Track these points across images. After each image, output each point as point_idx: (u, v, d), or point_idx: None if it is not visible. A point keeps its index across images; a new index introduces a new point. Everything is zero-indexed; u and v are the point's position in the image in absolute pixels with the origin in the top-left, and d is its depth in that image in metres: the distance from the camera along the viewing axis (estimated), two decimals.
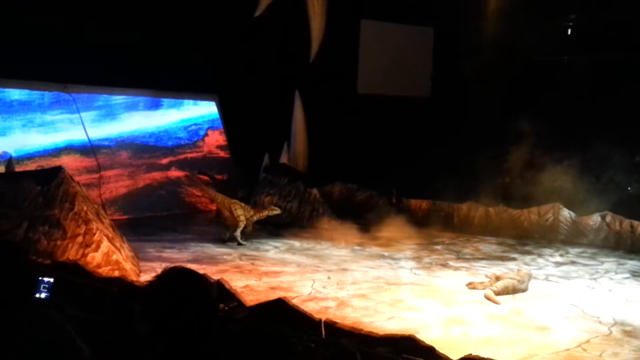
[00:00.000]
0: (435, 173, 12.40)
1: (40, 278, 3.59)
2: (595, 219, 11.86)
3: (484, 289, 7.93)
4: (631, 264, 10.19)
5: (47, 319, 2.67)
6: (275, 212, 11.42)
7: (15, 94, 11.81)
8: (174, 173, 14.00)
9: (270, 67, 13.65)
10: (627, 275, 9.40)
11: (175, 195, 13.78)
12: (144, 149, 13.66)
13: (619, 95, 12.69)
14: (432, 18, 15.03)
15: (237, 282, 7.74)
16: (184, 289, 2.40)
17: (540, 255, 10.64)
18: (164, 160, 13.93)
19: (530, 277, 8.45)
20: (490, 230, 12.32)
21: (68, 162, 11.77)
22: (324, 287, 8.01)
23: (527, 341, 6.27)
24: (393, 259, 10.01)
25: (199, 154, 14.64)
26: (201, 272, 2.61)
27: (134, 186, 13.16)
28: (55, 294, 3.57)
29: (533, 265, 9.70)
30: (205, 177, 13.64)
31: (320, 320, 5.32)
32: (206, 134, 14.89)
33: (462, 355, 4.79)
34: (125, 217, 12.34)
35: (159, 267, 6.97)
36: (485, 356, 4.75)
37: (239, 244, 10.43)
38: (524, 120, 12.46)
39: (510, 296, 7.84)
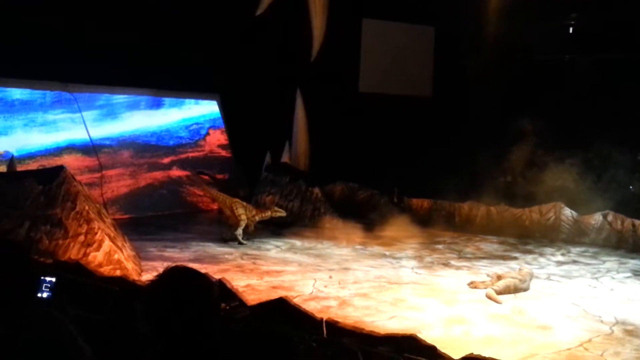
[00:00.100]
0: (437, 172, 12.38)
1: (42, 277, 3.59)
2: (597, 218, 11.85)
3: (485, 288, 7.93)
4: (633, 263, 10.18)
5: (48, 319, 2.67)
6: (279, 214, 11.18)
7: (17, 93, 11.82)
8: (176, 172, 14.00)
9: (272, 66, 13.64)
10: (629, 274, 9.40)
11: (177, 195, 13.78)
12: (146, 148, 13.66)
13: (620, 95, 12.67)
14: (434, 17, 15.01)
15: (239, 282, 7.74)
16: (186, 288, 2.40)
17: (541, 255, 10.64)
18: (166, 160, 13.93)
19: (531, 276, 8.45)
20: (491, 230, 12.32)
21: (70, 161, 11.77)
22: (325, 287, 8.01)
23: (529, 340, 6.27)
24: (395, 258, 10.01)
25: (201, 153, 14.64)
26: (203, 271, 2.62)
27: (135, 185, 13.17)
28: (57, 293, 3.57)
29: (534, 265, 9.69)
30: (206, 177, 13.64)
31: (322, 319, 5.33)
32: (207, 133, 14.89)
33: (463, 355, 4.80)
34: (126, 216, 12.35)
35: (160, 267, 6.98)
36: (487, 355, 4.75)
37: (240, 243, 10.42)
38: (525, 119, 12.45)
39: (512, 295, 7.84)
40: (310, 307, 6.56)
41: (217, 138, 15.04)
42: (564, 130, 12.76)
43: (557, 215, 12.15)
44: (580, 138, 12.71)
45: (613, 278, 9.14)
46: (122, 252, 8.22)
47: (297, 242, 10.91)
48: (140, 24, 11.80)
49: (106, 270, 7.51)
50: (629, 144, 12.52)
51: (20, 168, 10.60)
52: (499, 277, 8.13)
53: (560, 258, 10.44)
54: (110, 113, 13.19)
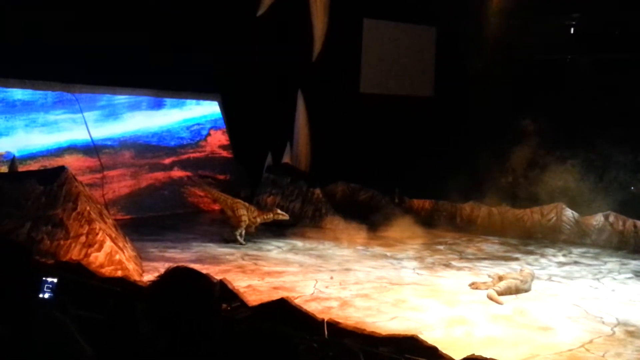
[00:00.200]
0: (438, 173, 12.38)
1: (43, 278, 3.59)
2: (598, 219, 11.84)
3: (486, 289, 7.92)
4: (634, 264, 10.16)
5: (50, 319, 2.67)
6: (282, 218, 11.07)
7: (18, 93, 11.82)
8: (177, 173, 14.00)
9: (273, 67, 13.64)
10: (630, 275, 9.39)
11: (178, 195, 13.78)
12: (147, 149, 13.66)
13: (622, 95, 12.66)
14: (435, 17, 15.01)
15: (240, 282, 7.74)
16: (187, 288, 2.40)
17: (543, 255, 10.63)
18: (167, 160, 13.93)
19: (533, 277, 8.44)
20: (493, 230, 12.31)
21: (71, 162, 11.77)
22: (326, 287, 8.00)
23: (530, 341, 6.27)
24: (396, 259, 10.00)
25: (202, 153, 14.64)
26: (204, 272, 2.62)
27: (136, 186, 13.17)
28: (58, 294, 3.57)
29: (536, 265, 9.69)
30: (207, 174, 13.64)
31: (323, 320, 5.33)
32: (209, 134, 14.89)
33: (464, 356, 4.80)
34: (128, 217, 12.35)
35: (161, 267, 6.99)
36: (488, 356, 4.75)
37: (240, 243, 10.41)
38: (527, 119, 12.45)
39: (513, 296, 7.83)
40: (312, 307, 6.56)
41: (218, 138, 15.03)
42: (566, 131, 12.75)
43: (559, 216, 12.14)
44: (581, 138, 12.70)
45: (614, 279, 9.13)
46: (123, 252, 8.21)
47: (299, 243, 10.90)
48: (142, 24, 11.80)
49: (107, 270, 7.51)
50: (631, 144, 12.51)
51: (21, 168, 10.61)
52: (500, 278, 8.12)
53: (561, 259, 10.43)
54: (112, 113, 13.19)
